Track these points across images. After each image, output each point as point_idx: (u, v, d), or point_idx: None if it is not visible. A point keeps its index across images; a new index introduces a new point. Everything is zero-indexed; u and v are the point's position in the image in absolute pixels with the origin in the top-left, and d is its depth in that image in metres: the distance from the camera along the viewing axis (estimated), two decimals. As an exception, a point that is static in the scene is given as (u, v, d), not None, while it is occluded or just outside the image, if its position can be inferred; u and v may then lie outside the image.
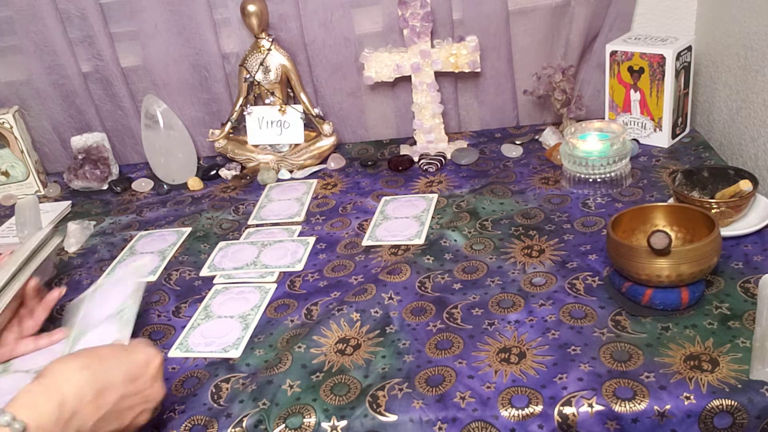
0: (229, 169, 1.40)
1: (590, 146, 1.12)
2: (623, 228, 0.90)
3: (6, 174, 1.44)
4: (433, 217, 1.13)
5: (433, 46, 1.31)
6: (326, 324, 0.89)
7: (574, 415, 0.72)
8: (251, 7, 1.30)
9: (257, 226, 1.20)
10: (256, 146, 1.41)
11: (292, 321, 0.93)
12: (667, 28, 1.36)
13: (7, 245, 1.24)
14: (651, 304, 0.83)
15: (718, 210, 0.93)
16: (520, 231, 1.05)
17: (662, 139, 1.24)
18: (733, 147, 1.21)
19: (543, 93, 1.31)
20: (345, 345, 0.86)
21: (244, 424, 0.76)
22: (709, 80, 1.30)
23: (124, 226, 1.27)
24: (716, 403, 0.70)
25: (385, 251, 1.05)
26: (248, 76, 1.36)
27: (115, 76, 1.42)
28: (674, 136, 1.25)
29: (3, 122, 1.39)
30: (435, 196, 1.19)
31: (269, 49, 1.35)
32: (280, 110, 1.38)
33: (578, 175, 1.13)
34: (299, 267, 1.05)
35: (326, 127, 1.38)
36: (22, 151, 1.42)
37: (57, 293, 0.93)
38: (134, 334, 0.80)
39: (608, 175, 1.12)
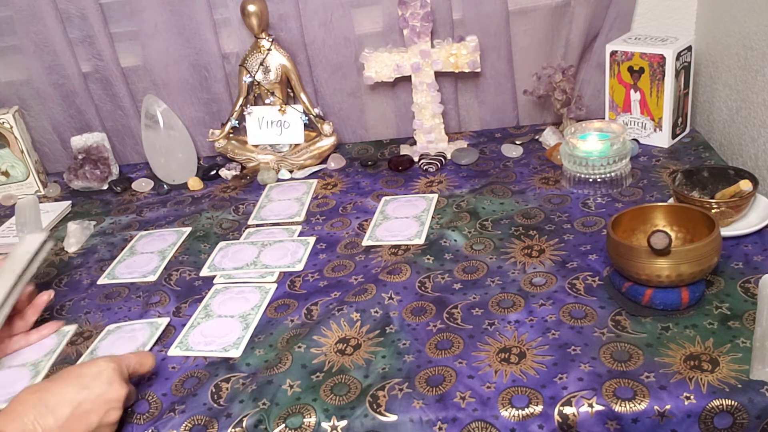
0: (229, 169, 1.40)
1: (590, 146, 1.12)
2: (623, 228, 0.90)
3: (6, 174, 1.44)
4: (433, 217, 1.13)
5: (433, 46, 1.31)
6: (326, 324, 0.89)
7: (574, 415, 0.72)
8: (251, 7, 1.30)
9: (257, 226, 1.20)
10: (256, 146, 1.41)
11: (292, 321, 0.93)
12: (667, 28, 1.36)
13: (7, 245, 1.24)
14: (651, 304, 0.83)
15: (718, 210, 0.93)
16: (520, 231, 1.05)
17: (662, 139, 1.24)
18: (733, 147, 1.21)
19: (543, 93, 1.31)
20: (345, 345, 0.86)
21: (244, 424, 0.76)
22: (709, 80, 1.30)
23: (124, 226, 1.27)
24: (716, 403, 0.70)
25: (385, 251, 1.05)
26: (248, 76, 1.36)
27: (115, 76, 1.42)
28: (674, 136, 1.25)
29: (3, 122, 1.39)
30: (435, 196, 1.19)
31: (269, 49, 1.35)
32: (280, 110, 1.38)
33: (578, 175, 1.13)
34: (299, 267, 1.05)
35: (326, 127, 1.38)
36: (22, 151, 1.42)
37: (46, 296, 0.97)
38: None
39: (608, 175, 1.12)
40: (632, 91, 1.24)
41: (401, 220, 1.13)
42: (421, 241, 1.06)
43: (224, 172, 1.40)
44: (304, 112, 1.38)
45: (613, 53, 1.23)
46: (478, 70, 1.31)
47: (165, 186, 1.39)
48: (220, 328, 0.93)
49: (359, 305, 0.92)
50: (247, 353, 0.88)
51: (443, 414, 0.74)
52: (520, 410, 0.73)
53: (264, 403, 0.78)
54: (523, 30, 1.36)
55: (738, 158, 1.19)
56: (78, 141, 1.44)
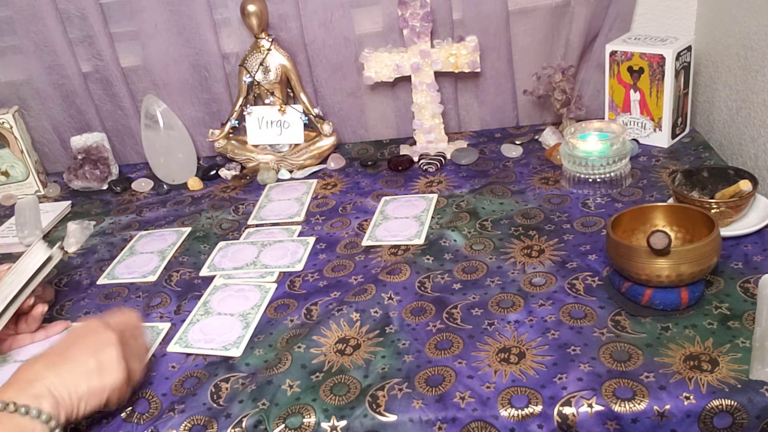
0: (229, 169, 1.40)
1: (590, 146, 1.12)
2: (623, 228, 0.90)
3: (6, 174, 1.44)
4: (432, 217, 1.13)
5: (433, 46, 1.31)
6: (326, 324, 0.89)
7: (573, 415, 0.72)
8: (251, 7, 1.30)
9: (257, 226, 1.20)
10: (255, 146, 1.41)
11: (291, 321, 0.93)
12: (667, 28, 1.36)
13: (7, 245, 1.24)
14: (651, 304, 0.83)
15: (718, 210, 0.93)
16: (519, 231, 1.05)
17: (662, 139, 1.24)
18: (733, 147, 1.21)
19: (543, 93, 1.31)
20: (345, 345, 0.86)
21: (243, 424, 0.76)
22: (709, 80, 1.30)
23: (124, 226, 1.27)
24: (716, 403, 0.70)
25: (384, 251, 1.05)
26: (248, 76, 1.36)
27: (115, 76, 1.42)
28: (674, 136, 1.25)
29: (3, 122, 1.40)
30: (435, 196, 1.19)
31: (269, 49, 1.35)
32: (279, 110, 1.38)
33: (578, 175, 1.13)
34: (299, 267, 1.05)
35: (326, 127, 1.38)
36: (22, 151, 1.42)
37: (41, 309, 0.94)
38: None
39: (608, 175, 1.12)
40: (632, 91, 1.24)
41: (401, 220, 1.13)
42: (420, 241, 1.06)
43: (224, 172, 1.40)
44: (304, 112, 1.38)
45: (613, 53, 1.23)
46: (478, 70, 1.31)
47: (165, 186, 1.39)
48: (220, 326, 0.93)
49: (359, 305, 0.92)
50: (247, 353, 0.88)
51: (443, 414, 0.74)
52: (519, 410, 0.73)
53: (264, 403, 0.78)
54: (523, 30, 1.36)
55: (738, 158, 1.19)
56: (78, 141, 1.44)
